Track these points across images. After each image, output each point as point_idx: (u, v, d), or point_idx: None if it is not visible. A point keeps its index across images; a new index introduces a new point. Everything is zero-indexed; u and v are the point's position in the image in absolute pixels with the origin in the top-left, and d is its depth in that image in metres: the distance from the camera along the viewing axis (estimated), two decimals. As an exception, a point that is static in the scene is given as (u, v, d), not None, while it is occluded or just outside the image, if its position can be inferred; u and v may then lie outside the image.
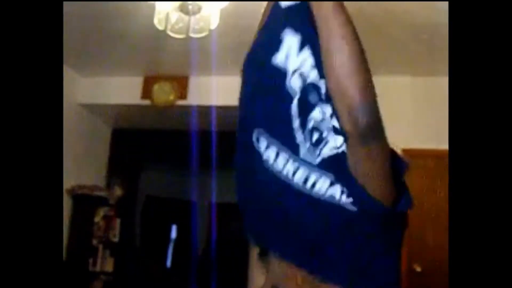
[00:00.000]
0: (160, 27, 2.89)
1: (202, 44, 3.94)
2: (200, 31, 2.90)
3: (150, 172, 7.43)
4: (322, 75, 0.98)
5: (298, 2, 1.05)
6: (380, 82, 4.17)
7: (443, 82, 3.68)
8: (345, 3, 0.95)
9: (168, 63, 4.56)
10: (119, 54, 4.47)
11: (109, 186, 5.69)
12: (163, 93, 4.84)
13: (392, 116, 5.13)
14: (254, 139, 1.09)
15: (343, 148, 0.96)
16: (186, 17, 2.87)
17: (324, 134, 0.99)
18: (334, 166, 0.98)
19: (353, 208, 0.96)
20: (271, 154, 1.05)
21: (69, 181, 4.84)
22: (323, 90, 0.98)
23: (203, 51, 4.18)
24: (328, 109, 0.98)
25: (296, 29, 1.05)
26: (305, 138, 1.01)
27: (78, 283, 4.85)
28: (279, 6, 1.10)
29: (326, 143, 0.99)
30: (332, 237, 0.99)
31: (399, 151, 1.03)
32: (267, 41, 1.12)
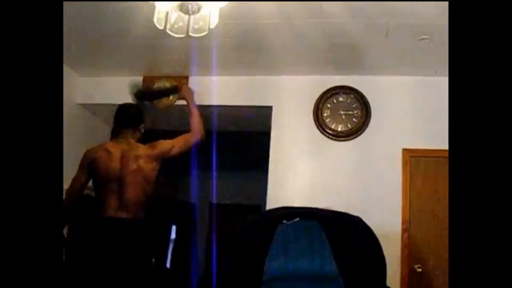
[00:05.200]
0: (160, 27, 2.88)
1: (201, 44, 3.93)
2: (199, 31, 2.89)
3: (150, 172, 7.39)
4: None
5: None
6: (380, 82, 4.22)
7: (443, 82, 3.68)
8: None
9: (167, 63, 4.56)
10: (119, 54, 4.47)
11: (108, 186, 5.68)
12: (163, 93, 4.83)
13: (392, 116, 5.11)
14: None
15: None
16: (185, 17, 2.87)
17: None
18: None
19: None
20: None
21: (69, 181, 4.83)
22: None
23: (203, 51, 4.17)
24: None
25: None
26: None
27: (78, 283, 4.85)
28: None
29: None
30: None
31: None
32: None
